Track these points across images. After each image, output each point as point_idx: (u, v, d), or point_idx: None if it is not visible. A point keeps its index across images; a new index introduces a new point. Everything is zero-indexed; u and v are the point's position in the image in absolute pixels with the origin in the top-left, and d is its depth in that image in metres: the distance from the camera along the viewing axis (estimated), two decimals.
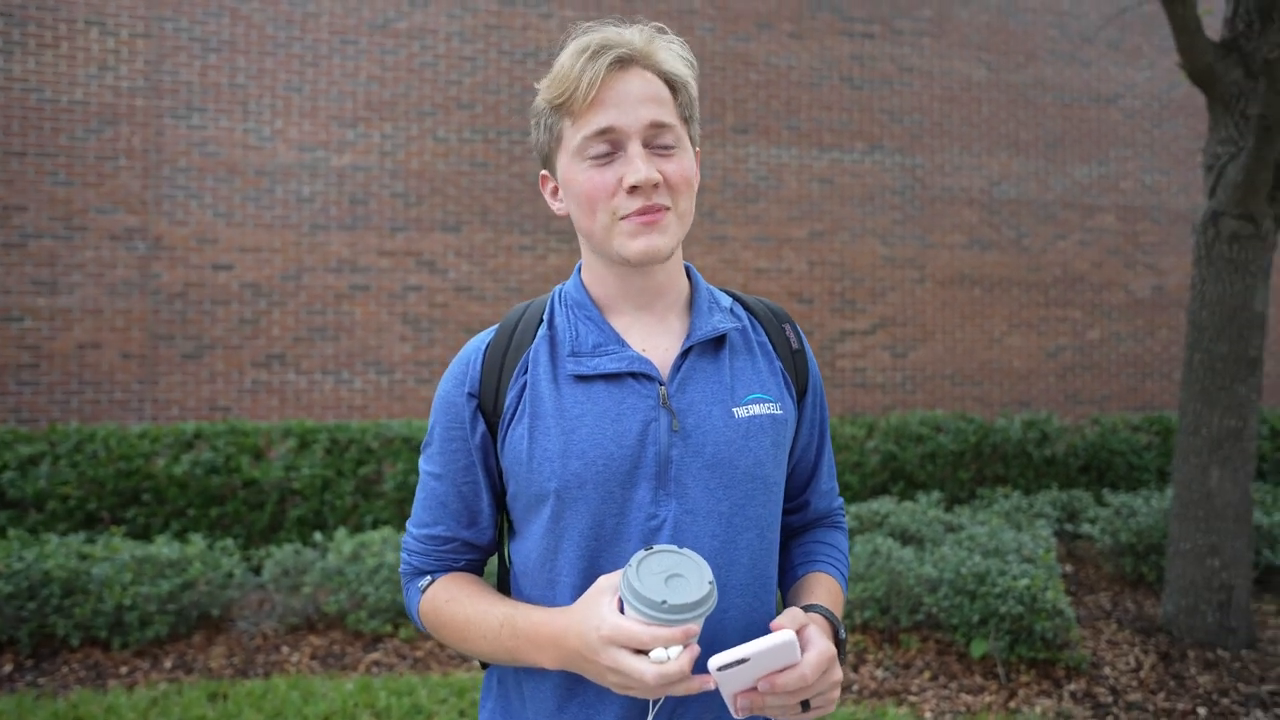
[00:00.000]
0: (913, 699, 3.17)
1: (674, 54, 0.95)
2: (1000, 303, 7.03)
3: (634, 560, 0.80)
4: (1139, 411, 7.12)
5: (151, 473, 4.42)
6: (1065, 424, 5.89)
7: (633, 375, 0.94)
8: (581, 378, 0.94)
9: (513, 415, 0.95)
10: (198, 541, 3.78)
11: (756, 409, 0.96)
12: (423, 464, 1.01)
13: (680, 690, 0.79)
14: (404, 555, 1.03)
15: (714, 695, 0.93)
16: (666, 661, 0.75)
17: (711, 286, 1.06)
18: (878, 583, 3.62)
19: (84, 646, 3.52)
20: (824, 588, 1.02)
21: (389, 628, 3.65)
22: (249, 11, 5.86)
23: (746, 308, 1.06)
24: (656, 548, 0.82)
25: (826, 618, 0.94)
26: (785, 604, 1.05)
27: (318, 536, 4.03)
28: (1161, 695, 3.16)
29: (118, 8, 5.68)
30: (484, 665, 1.06)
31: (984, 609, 3.31)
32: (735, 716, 0.84)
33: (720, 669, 0.79)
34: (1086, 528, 4.61)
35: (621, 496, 0.90)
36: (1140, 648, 3.57)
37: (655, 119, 0.90)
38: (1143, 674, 3.33)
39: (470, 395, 0.97)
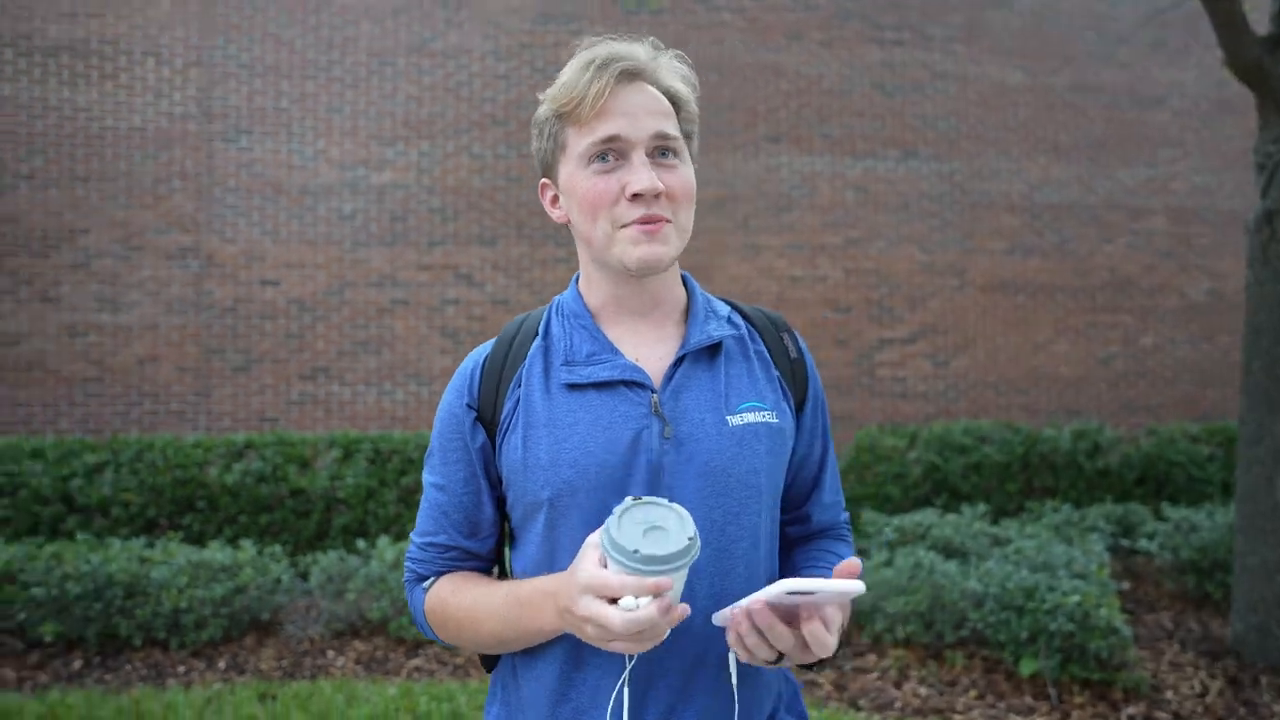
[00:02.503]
0: (958, 717, 3.09)
1: (676, 71, 0.98)
2: (1045, 309, 6.85)
3: (617, 510, 0.80)
4: (1199, 421, 6.85)
5: (205, 481, 4.57)
6: (1118, 434, 5.70)
7: (625, 383, 0.94)
8: (574, 386, 0.95)
9: (509, 425, 0.97)
10: (248, 548, 3.90)
11: (751, 417, 0.96)
12: (425, 474, 1.03)
13: (648, 640, 0.78)
14: (407, 564, 1.05)
15: (715, 691, 0.93)
16: (635, 610, 0.75)
17: (710, 295, 1.06)
18: (920, 596, 3.54)
19: (145, 646, 3.66)
20: None
21: None
22: (291, 38, 6.08)
23: (744, 316, 1.07)
24: (644, 499, 0.82)
25: None
26: None
27: (361, 544, 4.11)
28: None
29: (171, 39, 5.95)
30: (488, 668, 1.07)
31: (1033, 625, 3.21)
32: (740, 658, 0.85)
33: (789, 593, 0.79)
34: (1144, 543, 4.44)
35: (615, 505, 0.91)
36: (1206, 671, 3.41)
37: (661, 130, 0.92)
38: (1209, 699, 3.18)
39: (469, 406, 0.99)
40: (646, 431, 0.93)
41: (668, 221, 0.93)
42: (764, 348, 1.04)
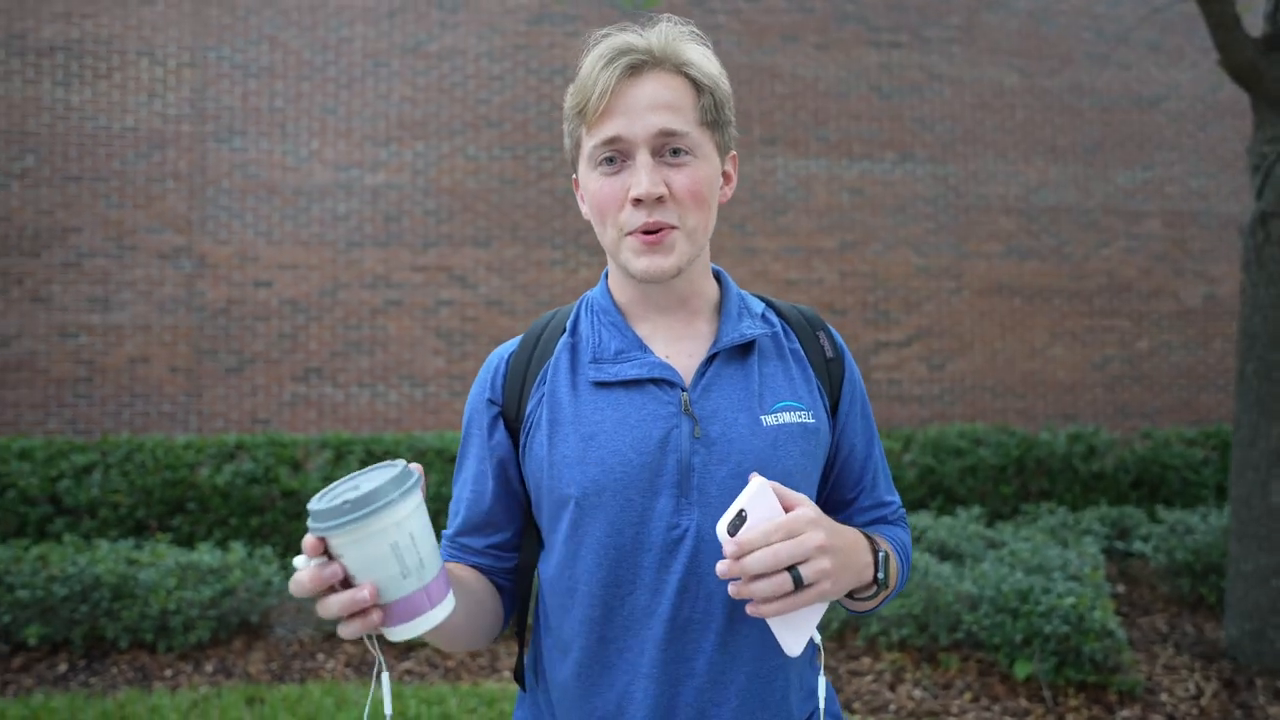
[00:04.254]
0: None
1: (698, 53, 0.92)
2: (1041, 313, 6.84)
3: (347, 476, 0.74)
4: (1194, 425, 6.84)
5: (196, 482, 4.53)
6: (1114, 437, 5.69)
7: (654, 381, 0.92)
8: (602, 384, 0.93)
9: (533, 423, 0.94)
10: (238, 549, 3.87)
11: (786, 417, 0.93)
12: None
13: (339, 619, 0.71)
14: None
15: (749, 693, 0.90)
16: (296, 570, 0.71)
17: (744, 292, 1.04)
18: (915, 599, 3.51)
19: (132, 649, 3.62)
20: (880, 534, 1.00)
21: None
22: (287, 39, 6.06)
23: (780, 314, 1.03)
24: (382, 464, 0.74)
25: (864, 533, 0.91)
26: None
27: None
28: None
29: (166, 39, 5.92)
30: (518, 679, 1.04)
31: (1027, 628, 3.19)
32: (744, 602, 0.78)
33: (726, 525, 0.74)
34: (1139, 546, 4.41)
35: (642, 505, 0.89)
36: (1201, 674, 3.38)
37: (664, 127, 0.87)
38: (1204, 702, 3.16)
39: (491, 402, 0.97)
40: (676, 431, 0.90)
41: (673, 228, 0.89)
42: (799, 346, 1.01)
